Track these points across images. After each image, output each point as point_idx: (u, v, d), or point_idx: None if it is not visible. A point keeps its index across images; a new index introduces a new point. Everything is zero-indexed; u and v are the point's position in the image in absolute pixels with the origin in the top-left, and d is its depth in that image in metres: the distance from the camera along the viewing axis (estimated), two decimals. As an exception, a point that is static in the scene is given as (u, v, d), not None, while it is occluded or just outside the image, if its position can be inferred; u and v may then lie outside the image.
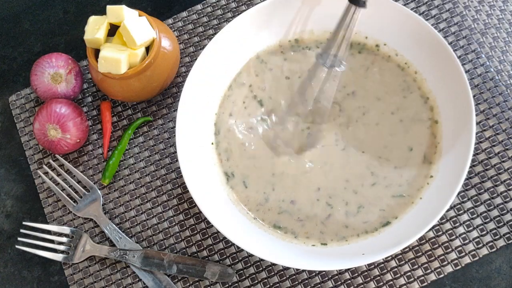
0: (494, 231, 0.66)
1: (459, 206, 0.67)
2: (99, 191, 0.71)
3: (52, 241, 0.69)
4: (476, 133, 0.70)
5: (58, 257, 0.68)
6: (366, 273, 0.66)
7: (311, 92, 0.68)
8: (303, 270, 0.67)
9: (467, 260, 0.66)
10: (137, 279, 0.68)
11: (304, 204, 0.67)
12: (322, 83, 0.67)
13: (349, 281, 0.66)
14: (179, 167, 0.72)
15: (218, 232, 0.69)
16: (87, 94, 0.76)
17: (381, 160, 0.67)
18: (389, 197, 0.66)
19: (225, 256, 0.68)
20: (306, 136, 0.70)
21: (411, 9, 0.75)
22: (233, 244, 0.68)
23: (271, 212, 0.67)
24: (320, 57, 0.65)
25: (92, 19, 0.69)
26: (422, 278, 0.65)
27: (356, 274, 0.66)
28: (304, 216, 0.66)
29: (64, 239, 0.69)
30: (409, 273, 0.66)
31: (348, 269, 0.66)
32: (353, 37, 0.64)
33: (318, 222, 0.66)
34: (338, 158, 0.68)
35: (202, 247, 0.69)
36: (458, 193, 0.68)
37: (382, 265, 0.66)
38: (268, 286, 0.66)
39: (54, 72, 0.71)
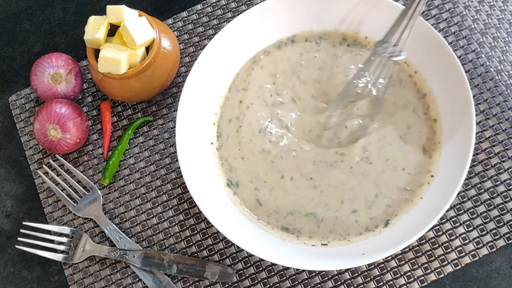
0: (494, 231, 0.66)
1: (459, 206, 0.67)
2: (99, 191, 0.71)
3: (52, 241, 0.69)
4: (476, 133, 0.70)
5: (58, 257, 0.68)
6: (366, 273, 0.66)
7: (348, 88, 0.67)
8: (303, 270, 0.67)
9: (467, 260, 0.66)
10: (137, 279, 0.68)
11: (316, 205, 0.67)
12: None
13: (349, 281, 0.66)
14: (179, 167, 0.72)
15: (218, 232, 0.69)
16: (87, 94, 0.76)
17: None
18: (397, 189, 0.66)
19: (225, 256, 0.68)
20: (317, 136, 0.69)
21: (411, 9, 0.75)
22: (233, 244, 0.68)
23: (278, 215, 0.67)
24: (380, 45, 0.64)
25: (92, 19, 0.69)
26: (422, 278, 0.65)
27: (356, 274, 0.66)
28: (318, 217, 0.66)
29: (64, 239, 0.69)
30: (409, 273, 0.66)
31: (348, 269, 0.66)
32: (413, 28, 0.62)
33: (331, 222, 0.66)
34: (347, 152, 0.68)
35: (202, 247, 0.68)
36: (458, 193, 0.68)
37: (382, 265, 0.66)
38: (268, 286, 0.66)
39: (54, 72, 0.71)
